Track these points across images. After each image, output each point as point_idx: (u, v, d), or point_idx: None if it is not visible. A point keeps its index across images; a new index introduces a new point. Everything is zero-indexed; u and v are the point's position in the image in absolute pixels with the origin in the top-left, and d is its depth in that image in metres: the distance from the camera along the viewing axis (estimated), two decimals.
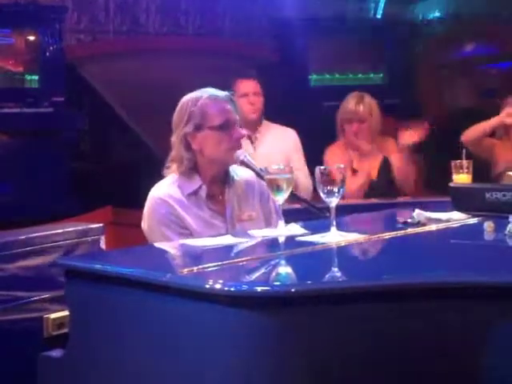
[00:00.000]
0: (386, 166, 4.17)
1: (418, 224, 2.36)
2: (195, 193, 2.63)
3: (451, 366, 1.76)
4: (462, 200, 2.57)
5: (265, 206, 2.74)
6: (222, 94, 2.68)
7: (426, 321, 1.74)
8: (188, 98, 2.68)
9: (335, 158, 4.09)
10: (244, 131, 2.70)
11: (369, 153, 4.16)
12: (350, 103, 4.18)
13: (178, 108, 2.69)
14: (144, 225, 2.63)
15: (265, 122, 4.09)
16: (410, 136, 4.05)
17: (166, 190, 2.63)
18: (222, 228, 2.60)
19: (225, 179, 2.69)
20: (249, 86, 4.04)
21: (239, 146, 2.66)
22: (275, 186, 2.26)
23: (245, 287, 1.70)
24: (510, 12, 5.42)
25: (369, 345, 1.72)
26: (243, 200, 2.70)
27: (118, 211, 4.39)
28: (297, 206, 2.91)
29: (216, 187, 2.67)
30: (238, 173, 2.73)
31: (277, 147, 3.94)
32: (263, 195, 2.73)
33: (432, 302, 1.74)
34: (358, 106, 4.16)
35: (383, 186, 4.09)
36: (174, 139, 2.66)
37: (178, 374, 1.77)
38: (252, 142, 4.00)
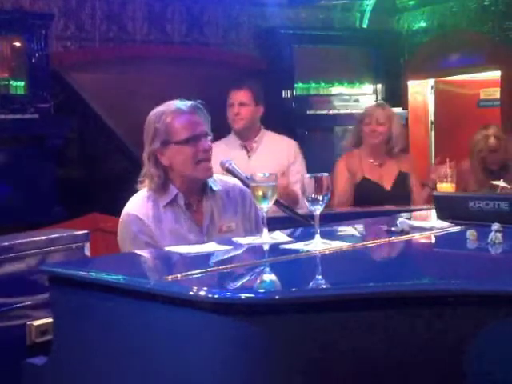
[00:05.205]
0: (403, 180, 4.14)
1: (402, 232, 2.37)
2: (172, 203, 2.60)
3: (434, 373, 1.77)
4: (445, 209, 2.58)
5: (248, 215, 2.72)
6: (186, 105, 2.60)
7: (410, 328, 1.75)
8: (152, 113, 2.62)
9: (348, 166, 4.11)
10: (209, 143, 2.59)
11: (384, 163, 4.14)
12: (372, 106, 4.32)
13: (145, 124, 2.63)
14: (118, 237, 2.62)
15: (263, 132, 3.97)
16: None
17: (139, 206, 2.59)
18: (198, 243, 2.51)
19: (202, 190, 2.65)
20: (235, 96, 3.91)
21: (207, 158, 2.59)
22: (260, 194, 2.27)
23: (229, 294, 1.70)
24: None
25: (353, 351, 1.73)
26: (222, 211, 2.66)
27: (105, 218, 4.38)
28: (281, 213, 2.91)
29: (192, 197, 2.64)
30: (219, 183, 2.69)
31: (272, 157, 3.83)
32: (246, 205, 2.70)
33: (415, 310, 1.75)
34: (378, 108, 4.22)
35: (397, 198, 4.02)
36: (144, 156, 2.62)
37: (162, 380, 1.77)
38: (247, 151, 3.91)
